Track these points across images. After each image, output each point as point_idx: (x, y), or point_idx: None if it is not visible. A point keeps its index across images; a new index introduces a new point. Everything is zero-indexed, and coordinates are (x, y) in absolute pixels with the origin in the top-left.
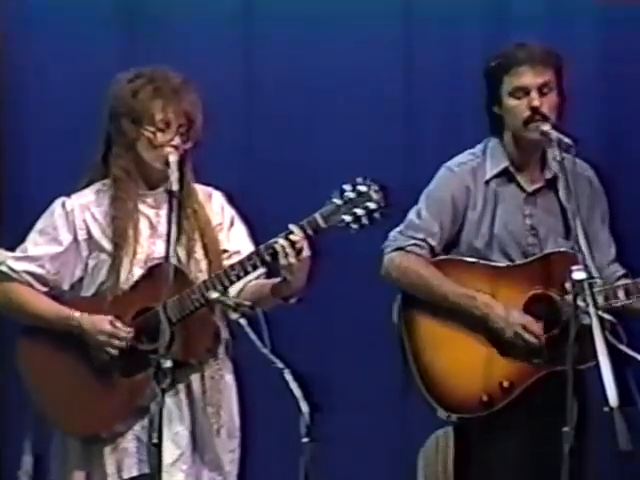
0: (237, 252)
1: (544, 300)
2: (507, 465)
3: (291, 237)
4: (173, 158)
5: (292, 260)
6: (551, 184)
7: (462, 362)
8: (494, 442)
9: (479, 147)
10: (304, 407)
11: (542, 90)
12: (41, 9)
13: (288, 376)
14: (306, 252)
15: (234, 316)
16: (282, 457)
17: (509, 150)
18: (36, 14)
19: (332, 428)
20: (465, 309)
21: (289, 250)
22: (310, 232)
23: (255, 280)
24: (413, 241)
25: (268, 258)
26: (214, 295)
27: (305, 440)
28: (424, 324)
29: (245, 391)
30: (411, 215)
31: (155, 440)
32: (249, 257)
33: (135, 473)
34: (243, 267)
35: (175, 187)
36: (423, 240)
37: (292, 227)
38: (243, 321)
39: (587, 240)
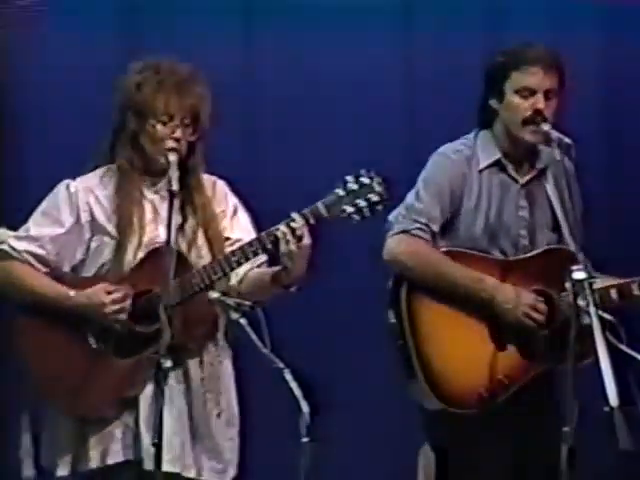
0: (239, 240)
1: (542, 297)
2: (492, 468)
3: (292, 224)
4: (173, 158)
5: (293, 247)
6: (542, 174)
7: (462, 357)
8: (471, 449)
9: (469, 137)
10: (304, 407)
11: (547, 94)
12: (42, 6)
13: (288, 376)
14: (307, 240)
15: (234, 316)
16: (282, 457)
17: (501, 144)
18: (37, 11)
19: (332, 428)
20: (472, 292)
21: (290, 237)
22: (312, 220)
23: (256, 268)
24: (417, 225)
25: (269, 245)
26: (214, 295)
27: (305, 440)
28: (426, 316)
29: (245, 390)
30: (410, 199)
31: (156, 440)
32: (250, 243)
33: (120, 459)
34: (244, 253)
35: (175, 187)
36: (426, 225)
37: (294, 215)
38: (243, 321)
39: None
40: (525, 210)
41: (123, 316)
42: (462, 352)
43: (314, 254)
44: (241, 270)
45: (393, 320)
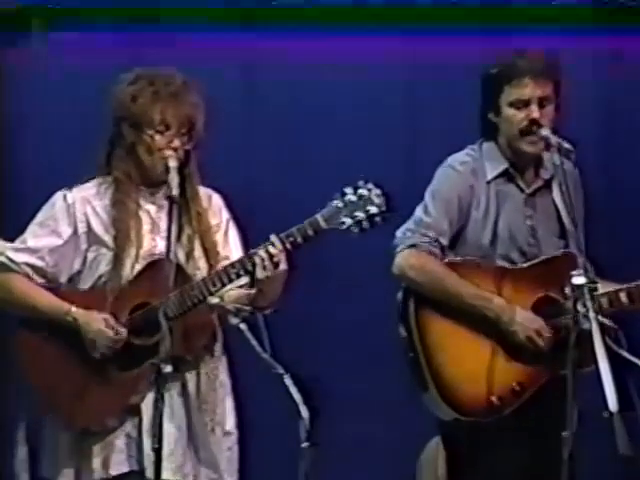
0: (226, 258)
1: (550, 303)
2: (497, 472)
3: (270, 249)
4: (173, 164)
5: (269, 273)
6: (549, 184)
7: (472, 366)
8: (483, 450)
9: (475, 147)
10: (304, 412)
11: (542, 103)
12: (41, 9)
13: (288, 381)
14: (283, 266)
15: (234, 321)
16: (282, 462)
17: (506, 154)
18: (36, 14)
19: (332, 433)
20: (479, 310)
21: (267, 263)
22: (289, 246)
23: (238, 288)
24: (426, 239)
25: (249, 267)
26: (214, 300)
27: (305, 445)
28: (435, 327)
29: (245, 395)
30: (419, 213)
31: (156, 445)
32: (249, 256)
33: (124, 470)
34: (243, 265)
35: (175, 192)
36: (435, 239)
37: (273, 238)
38: (243, 326)
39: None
40: (532, 219)
41: (106, 351)
42: (473, 361)
43: (316, 263)
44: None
45: (404, 334)
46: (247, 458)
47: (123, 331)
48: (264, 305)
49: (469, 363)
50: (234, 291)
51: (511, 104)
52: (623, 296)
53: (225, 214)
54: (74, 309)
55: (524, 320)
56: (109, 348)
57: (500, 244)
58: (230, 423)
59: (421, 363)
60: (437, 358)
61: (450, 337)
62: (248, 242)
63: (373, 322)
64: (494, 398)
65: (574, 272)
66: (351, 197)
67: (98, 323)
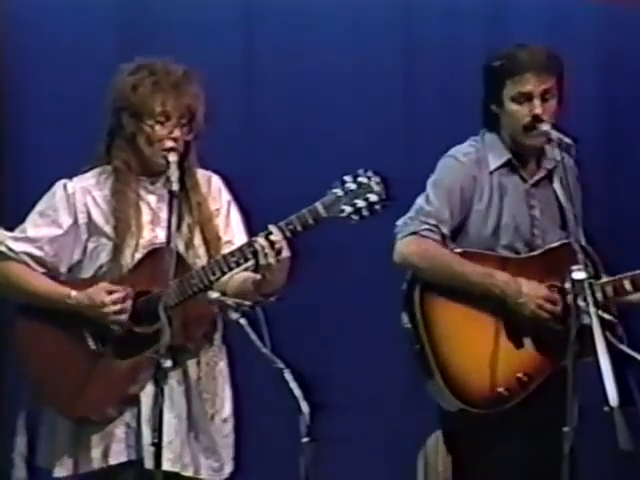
0: (228, 242)
1: (557, 293)
2: (498, 466)
3: (271, 237)
4: (173, 158)
5: (271, 260)
6: (550, 174)
7: (479, 356)
8: (484, 445)
9: (477, 139)
10: (304, 407)
11: (544, 96)
12: (42, 7)
13: (288, 376)
14: (285, 253)
15: (234, 316)
16: (282, 457)
17: (508, 145)
18: (37, 12)
19: (332, 428)
20: (484, 288)
21: (268, 250)
22: (288, 234)
23: (243, 271)
24: (426, 226)
25: (249, 255)
26: (214, 295)
27: (305, 440)
28: (441, 317)
29: (245, 390)
30: (420, 202)
31: (155, 440)
32: (232, 253)
33: (123, 459)
34: (226, 262)
35: (175, 187)
36: (435, 226)
37: (271, 227)
38: (243, 321)
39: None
40: (536, 209)
41: (123, 317)
42: (479, 351)
43: (318, 256)
44: (231, 272)
45: (408, 324)
46: (248, 453)
47: (128, 290)
48: (269, 292)
49: (475, 353)
50: (240, 274)
51: (513, 99)
52: (627, 283)
53: (225, 196)
54: (74, 292)
55: (530, 290)
56: (121, 313)
57: (505, 234)
58: (227, 410)
59: (427, 354)
60: (443, 348)
61: (456, 327)
62: (250, 227)
63: (375, 316)
64: (501, 389)
65: (574, 267)
66: (351, 185)
67: (100, 296)
